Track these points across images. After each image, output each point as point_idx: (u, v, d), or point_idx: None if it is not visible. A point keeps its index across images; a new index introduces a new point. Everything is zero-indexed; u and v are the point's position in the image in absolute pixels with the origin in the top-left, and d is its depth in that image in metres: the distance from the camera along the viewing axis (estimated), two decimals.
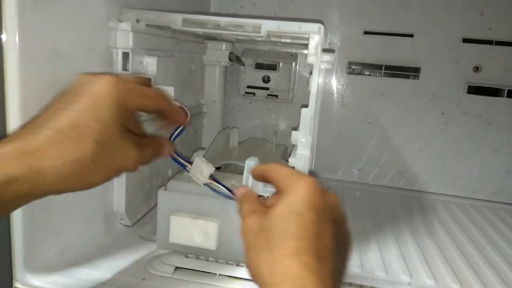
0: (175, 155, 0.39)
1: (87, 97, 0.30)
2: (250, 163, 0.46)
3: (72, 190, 0.31)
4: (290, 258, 0.28)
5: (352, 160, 0.89)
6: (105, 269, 0.46)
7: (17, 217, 0.40)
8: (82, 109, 0.30)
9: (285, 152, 0.79)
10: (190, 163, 0.41)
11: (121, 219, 0.55)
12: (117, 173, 0.33)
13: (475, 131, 0.84)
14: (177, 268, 0.47)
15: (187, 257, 0.49)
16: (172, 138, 0.38)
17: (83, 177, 0.30)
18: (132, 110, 0.33)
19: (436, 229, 0.68)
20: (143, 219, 0.60)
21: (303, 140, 0.48)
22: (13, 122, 0.38)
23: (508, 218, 0.77)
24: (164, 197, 0.47)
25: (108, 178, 0.32)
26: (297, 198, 0.31)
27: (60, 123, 0.29)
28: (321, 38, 0.45)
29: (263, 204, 0.33)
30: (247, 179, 0.46)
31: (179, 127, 0.39)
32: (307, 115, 0.48)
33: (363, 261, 0.55)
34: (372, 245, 0.60)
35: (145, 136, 0.36)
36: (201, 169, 0.41)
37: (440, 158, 0.86)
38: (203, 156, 0.43)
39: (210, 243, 0.46)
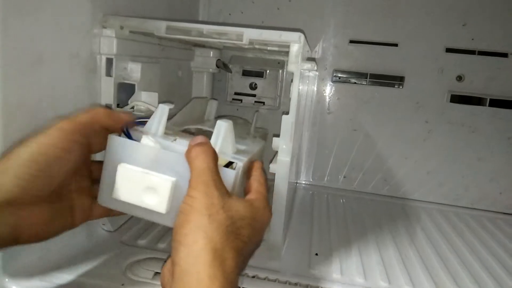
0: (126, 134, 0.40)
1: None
2: (222, 123, 0.41)
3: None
4: None
5: (337, 167, 0.90)
6: (85, 274, 0.46)
7: None
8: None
9: (265, 136, 0.74)
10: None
11: (103, 224, 0.55)
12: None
13: (458, 139, 0.86)
14: (156, 273, 0.47)
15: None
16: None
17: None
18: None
19: (418, 236, 0.69)
20: (125, 224, 0.60)
21: (284, 146, 0.49)
22: None
23: (490, 225, 0.78)
24: (115, 143, 0.39)
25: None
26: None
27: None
28: (301, 46, 0.46)
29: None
30: (216, 141, 0.40)
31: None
32: (288, 122, 0.49)
33: (343, 267, 0.55)
34: (353, 252, 0.60)
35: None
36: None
37: (424, 166, 0.87)
38: (171, 118, 0.43)
39: (160, 205, 0.37)
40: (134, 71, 0.55)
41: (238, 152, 0.43)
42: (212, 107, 0.68)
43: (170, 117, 0.46)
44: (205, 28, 0.49)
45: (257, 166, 0.42)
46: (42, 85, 0.42)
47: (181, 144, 0.40)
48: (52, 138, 0.34)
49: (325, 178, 0.91)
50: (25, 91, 0.40)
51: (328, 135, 0.89)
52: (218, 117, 0.70)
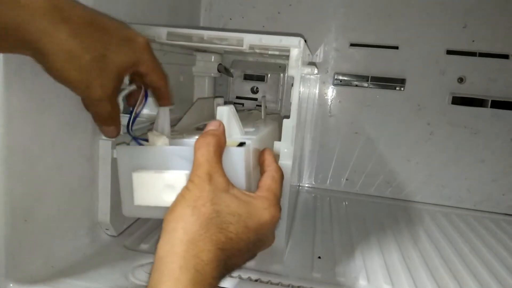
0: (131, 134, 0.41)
1: (134, 37, 0.38)
2: (224, 108, 0.41)
3: (50, 70, 0.34)
4: None
5: (340, 170, 0.90)
6: (89, 279, 0.46)
7: None
8: (117, 35, 0.36)
9: (279, 118, 0.71)
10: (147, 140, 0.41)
11: (106, 229, 0.56)
12: (87, 100, 0.38)
13: (460, 141, 0.86)
14: None
15: None
16: (131, 121, 0.42)
17: (69, 73, 0.34)
18: (139, 74, 0.40)
19: (421, 238, 0.69)
20: (129, 229, 0.60)
21: (285, 150, 0.49)
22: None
23: (493, 227, 0.78)
24: (123, 152, 0.39)
25: (81, 92, 0.36)
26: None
27: (95, 29, 0.34)
28: (301, 51, 0.47)
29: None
30: None
31: (136, 113, 0.42)
32: (289, 126, 0.49)
33: (346, 270, 0.55)
34: (356, 255, 0.60)
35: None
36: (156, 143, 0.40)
37: (426, 168, 0.87)
38: (178, 123, 0.43)
39: None
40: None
41: (248, 133, 0.43)
42: (219, 104, 0.65)
43: (177, 121, 0.46)
44: (206, 34, 0.50)
45: (272, 160, 0.41)
46: (43, 91, 0.43)
47: (190, 139, 0.41)
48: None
49: (328, 181, 0.92)
50: (26, 97, 0.41)
51: (330, 138, 0.90)
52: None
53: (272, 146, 0.49)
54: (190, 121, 0.56)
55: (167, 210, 0.37)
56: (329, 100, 0.89)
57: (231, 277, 0.50)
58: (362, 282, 0.53)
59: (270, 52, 0.62)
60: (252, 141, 0.39)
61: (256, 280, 0.50)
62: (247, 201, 0.34)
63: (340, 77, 0.88)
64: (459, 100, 0.85)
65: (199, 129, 0.51)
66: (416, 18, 0.83)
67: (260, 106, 0.88)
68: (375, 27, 0.85)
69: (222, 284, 0.47)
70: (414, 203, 0.88)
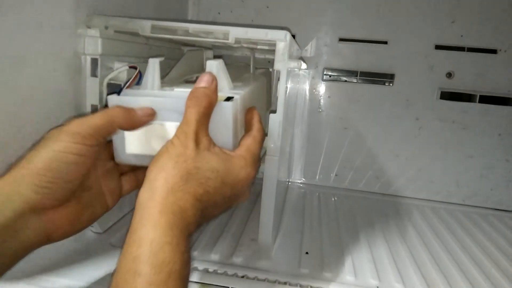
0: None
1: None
2: (213, 62, 0.41)
3: None
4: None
5: (329, 165, 0.90)
6: (73, 277, 0.46)
7: None
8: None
9: (268, 73, 0.72)
10: None
11: (91, 226, 0.55)
12: None
13: (449, 136, 0.86)
14: None
15: None
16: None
17: None
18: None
19: (409, 233, 0.69)
20: (115, 226, 0.59)
21: (272, 145, 0.49)
22: None
23: (481, 222, 0.78)
24: (115, 102, 0.39)
25: None
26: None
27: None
28: (287, 45, 0.46)
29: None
30: None
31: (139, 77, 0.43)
32: (275, 121, 0.48)
33: (334, 266, 0.55)
34: (344, 250, 0.60)
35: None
36: None
37: (415, 163, 0.87)
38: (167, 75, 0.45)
39: None
40: (120, 71, 0.54)
41: (236, 87, 0.43)
42: (208, 57, 0.67)
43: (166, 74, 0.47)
44: (191, 27, 0.49)
45: (257, 119, 0.42)
46: (23, 87, 0.42)
47: (180, 91, 0.41)
48: (65, 145, 0.34)
49: (317, 177, 0.91)
50: (5, 93, 0.40)
51: (320, 133, 0.89)
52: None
53: (260, 100, 0.48)
54: (179, 72, 0.55)
55: None
56: (319, 96, 0.88)
57: (217, 273, 0.49)
58: (349, 277, 0.53)
59: (258, 47, 0.61)
60: (240, 96, 0.40)
61: (242, 277, 0.49)
62: (226, 159, 0.36)
63: (330, 73, 0.87)
64: (447, 95, 0.85)
65: (188, 82, 0.51)
66: (405, 13, 0.83)
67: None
68: (364, 22, 0.85)
69: (207, 281, 0.47)
70: (403, 198, 0.88)
